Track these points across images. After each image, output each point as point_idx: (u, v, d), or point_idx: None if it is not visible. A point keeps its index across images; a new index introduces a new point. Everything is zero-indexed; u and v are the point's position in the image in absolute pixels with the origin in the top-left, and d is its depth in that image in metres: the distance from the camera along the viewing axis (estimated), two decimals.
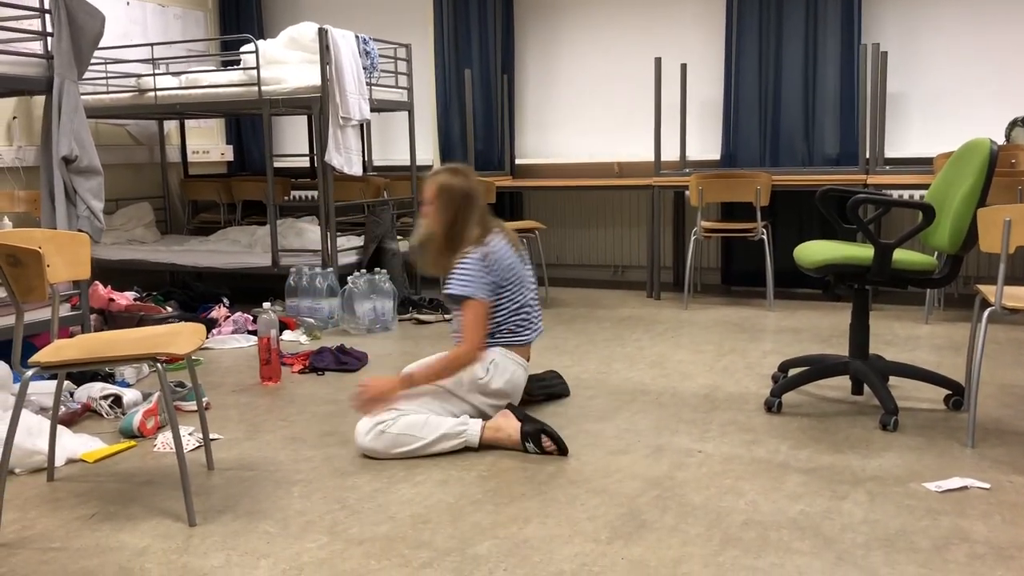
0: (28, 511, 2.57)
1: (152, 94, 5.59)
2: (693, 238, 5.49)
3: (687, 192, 5.61)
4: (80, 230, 3.84)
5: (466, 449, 2.98)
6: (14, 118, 5.66)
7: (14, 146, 5.64)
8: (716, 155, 6.23)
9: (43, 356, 2.46)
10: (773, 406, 3.35)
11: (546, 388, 3.59)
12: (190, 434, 3.15)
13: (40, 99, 5.54)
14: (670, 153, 6.25)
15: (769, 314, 5.25)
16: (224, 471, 2.85)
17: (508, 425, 2.99)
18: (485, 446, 2.97)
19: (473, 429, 2.97)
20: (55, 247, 2.64)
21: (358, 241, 5.84)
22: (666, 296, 5.93)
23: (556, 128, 6.79)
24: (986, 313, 2.88)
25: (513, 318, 3.16)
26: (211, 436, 3.15)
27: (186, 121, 6.93)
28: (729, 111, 6.06)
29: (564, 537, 2.30)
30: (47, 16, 3.84)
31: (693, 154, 6.29)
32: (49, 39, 3.84)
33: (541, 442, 2.93)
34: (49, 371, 2.47)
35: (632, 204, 6.53)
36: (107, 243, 6.14)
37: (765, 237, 5.35)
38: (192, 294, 5.62)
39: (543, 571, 2.12)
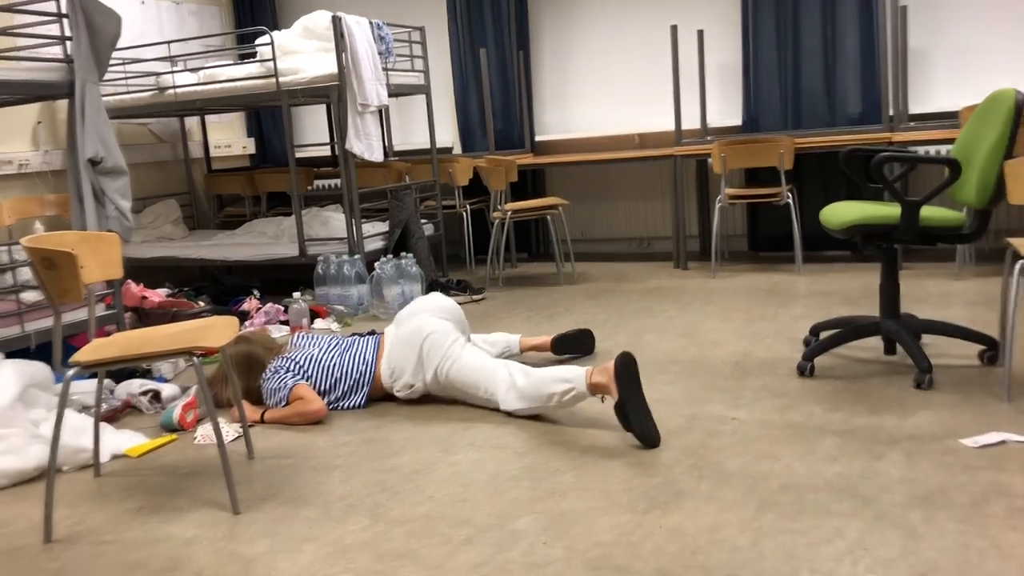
0: (78, 507, 2.64)
1: (171, 91, 5.64)
2: (718, 205, 5.46)
3: (710, 160, 5.58)
4: (110, 230, 3.89)
5: (501, 426, 3.01)
6: (39, 123, 5.74)
7: (40, 150, 5.72)
8: (737, 120, 6.18)
9: (83, 355, 2.51)
10: (805, 370, 3.34)
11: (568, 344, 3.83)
12: (229, 425, 3.21)
13: (63, 103, 5.62)
14: (691, 121, 6.21)
15: (798, 278, 5.22)
16: (264, 460, 2.90)
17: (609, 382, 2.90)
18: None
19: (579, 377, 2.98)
20: (87, 248, 2.68)
21: (383, 227, 5.87)
22: (693, 265, 5.91)
23: (575, 103, 6.77)
24: (1018, 266, 2.85)
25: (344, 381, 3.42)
26: (249, 426, 3.20)
27: (207, 116, 6.98)
28: (748, 75, 6.00)
29: (602, 509, 2.33)
30: (65, 20, 3.88)
31: (714, 121, 6.24)
32: (68, 43, 3.88)
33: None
34: (89, 370, 2.52)
35: (655, 175, 6.50)
36: (136, 242, 6.22)
37: (791, 201, 5.31)
38: (223, 287, 5.68)
39: (582, 543, 2.15)
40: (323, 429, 3.17)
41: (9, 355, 3.41)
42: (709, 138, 5.83)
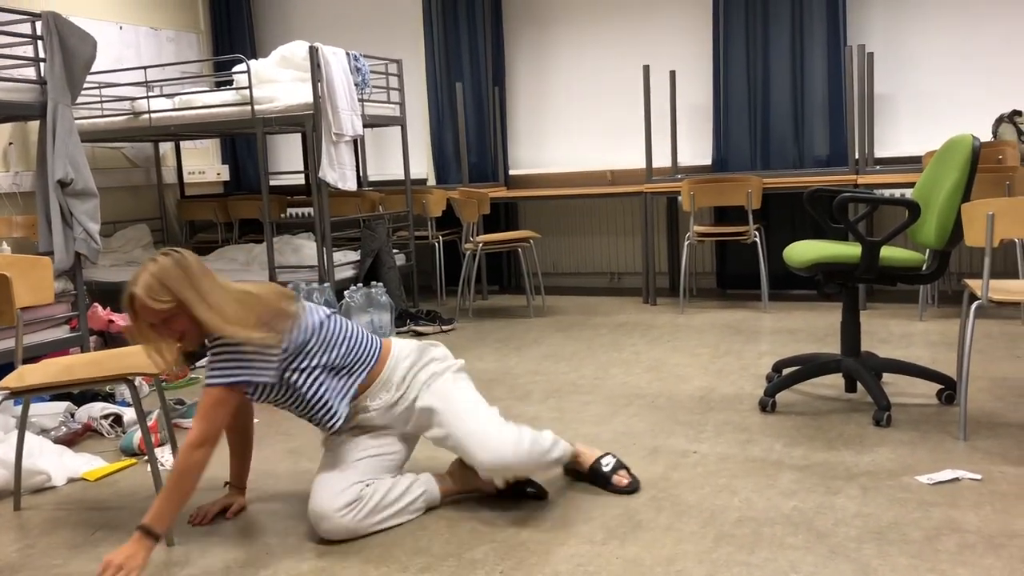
0: (29, 531, 2.60)
1: (146, 116, 5.64)
2: (687, 243, 5.52)
3: (679, 198, 5.65)
4: (77, 252, 3.88)
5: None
6: (10, 144, 5.71)
7: (11, 172, 5.69)
8: (707, 160, 6.27)
9: (9, 381, 2.48)
10: (767, 405, 3.38)
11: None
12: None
13: (35, 124, 5.60)
14: (661, 159, 6.30)
15: (764, 316, 5.28)
16: (214, 489, 2.87)
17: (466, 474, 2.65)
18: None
19: (430, 484, 2.60)
20: (18, 271, 2.65)
21: (354, 256, 5.87)
22: (662, 301, 5.96)
23: (548, 138, 6.84)
24: (973, 307, 2.91)
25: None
26: None
27: (181, 142, 6.98)
28: (719, 116, 6.10)
29: (560, 539, 2.33)
30: (39, 42, 3.89)
31: (684, 160, 6.33)
32: (42, 64, 3.89)
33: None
34: (14, 397, 2.49)
35: (626, 211, 6.57)
36: (106, 265, 6.18)
37: (758, 240, 5.39)
38: None
39: (539, 572, 2.15)
40: (285, 456, 3.15)
41: None
42: (679, 176, 5.92)
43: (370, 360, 2.53)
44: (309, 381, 2.42)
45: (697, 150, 6.35)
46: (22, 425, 2.56)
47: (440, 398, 2.53)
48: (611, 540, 2.31)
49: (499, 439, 2.45)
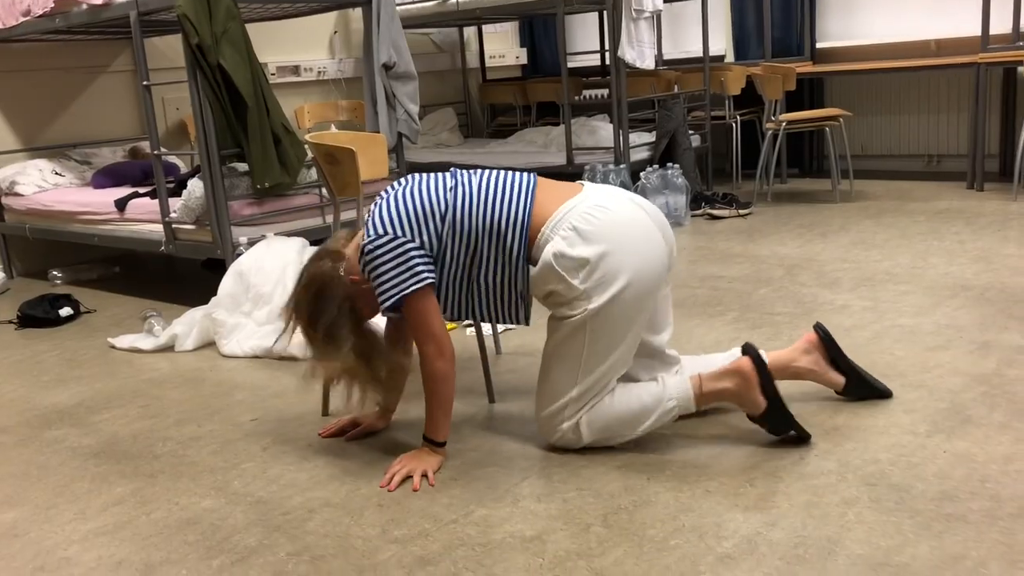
0: None
1: (454, 0, 5.84)
2: None
3: (1020, 68, 4.98)
4: (400, 132, 4.16)
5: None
6: (334, 32, 6.18)
7: (335, 59, 6.17)
8: None
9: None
10: None
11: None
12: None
13: (357, 13, 6.01)
14: (1000, 25, 5.55)
15: None
16: (511, 355, 3.04)
17: (743, 385, 2.17)
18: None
19: (682, 392, 2.18)
20: (358, 148, 2.87)
21: (650, 137, 5.82)
22: (990, 187, 5.37)
23: (862, 5, 6.26)
24: None
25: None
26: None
27: (483, 27, 7.18)
28: None
29: (879, 428, 2.23)
30: None
31: None
32: None
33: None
34: None
35: (951, 86, 5.92)
36: (416, 147, 6.60)
37: None
38: None
39: (857, 458, 2.08)
40: None
41: (314, 243, 3.79)
42: (1021, 44, 5.20)
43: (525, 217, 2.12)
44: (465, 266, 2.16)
45: None
46: None
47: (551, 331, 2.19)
48: (936, 433, 2.18)
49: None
